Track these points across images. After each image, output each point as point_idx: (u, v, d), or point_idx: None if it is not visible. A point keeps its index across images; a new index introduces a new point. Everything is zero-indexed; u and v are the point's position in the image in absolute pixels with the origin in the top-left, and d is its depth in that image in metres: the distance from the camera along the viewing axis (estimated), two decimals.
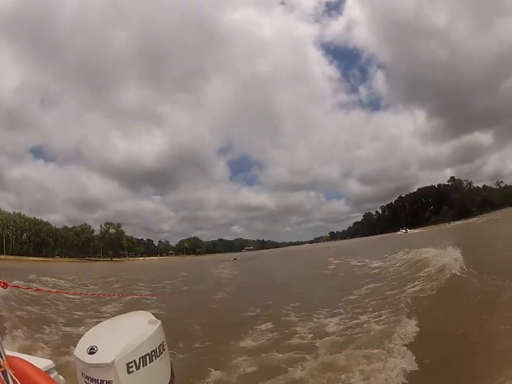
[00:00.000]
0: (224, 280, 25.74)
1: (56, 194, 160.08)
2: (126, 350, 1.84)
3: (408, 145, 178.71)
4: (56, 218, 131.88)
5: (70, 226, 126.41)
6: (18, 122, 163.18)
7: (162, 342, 2.07)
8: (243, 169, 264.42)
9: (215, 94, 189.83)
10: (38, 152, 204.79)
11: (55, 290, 16.82)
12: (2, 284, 2.05)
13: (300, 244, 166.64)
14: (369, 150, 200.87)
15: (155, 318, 2.16)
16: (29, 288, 15.23)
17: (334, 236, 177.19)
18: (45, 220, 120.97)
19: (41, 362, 2.35)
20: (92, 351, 1.87)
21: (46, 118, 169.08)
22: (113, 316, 2.35)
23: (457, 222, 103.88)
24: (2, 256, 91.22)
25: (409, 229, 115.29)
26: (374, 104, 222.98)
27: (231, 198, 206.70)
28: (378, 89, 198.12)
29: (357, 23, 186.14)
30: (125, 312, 2.44)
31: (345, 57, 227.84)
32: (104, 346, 1.89)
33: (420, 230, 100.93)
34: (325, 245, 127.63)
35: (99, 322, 2.24)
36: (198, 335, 9.25)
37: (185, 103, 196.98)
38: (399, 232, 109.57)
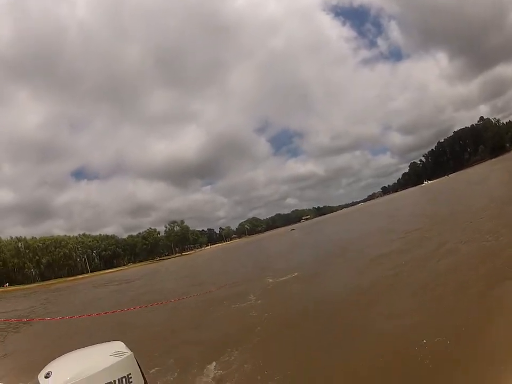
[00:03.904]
0: None
1: (106, 208, 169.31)
2: (75, 378, 2.00)
3: (437, 89, 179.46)
4: (112, 230, 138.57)
5: (128, 234, 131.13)
6: (53, 152, 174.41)
7: (128, 375, 2.17)
8: (285, 142, 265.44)
9: (239, 80, 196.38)
10: (79, 174, 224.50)
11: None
12: None
13: (354, 205, 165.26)
14: (402, 100, 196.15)
15: (125, 350, 2.27)
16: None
17: (386, 190, 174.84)
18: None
19: None
20: (47, 375, 2.07)
21: (79, 141, 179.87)
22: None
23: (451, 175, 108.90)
24: (87, 274, 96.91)
25: (429, 180, 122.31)
26: (395, 55, 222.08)
27: (279, 172, 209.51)
28: (396, 39, 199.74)
29: None
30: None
31: (355, 16, 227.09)
32: (59, 373, 2.07)
33: (434, 181, 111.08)
34: (377, 201, 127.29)
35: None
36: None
37: (213, 96, 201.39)
38: (423, 184, 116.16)
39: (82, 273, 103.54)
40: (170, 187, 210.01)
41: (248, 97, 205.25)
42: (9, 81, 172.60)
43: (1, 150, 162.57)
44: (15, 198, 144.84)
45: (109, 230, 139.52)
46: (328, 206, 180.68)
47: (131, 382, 2.15)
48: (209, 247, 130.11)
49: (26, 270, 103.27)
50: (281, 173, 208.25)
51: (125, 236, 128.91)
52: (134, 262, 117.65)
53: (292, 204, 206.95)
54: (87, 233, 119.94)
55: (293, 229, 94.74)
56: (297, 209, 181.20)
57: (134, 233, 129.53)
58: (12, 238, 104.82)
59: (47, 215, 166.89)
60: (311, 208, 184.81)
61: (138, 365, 2.32)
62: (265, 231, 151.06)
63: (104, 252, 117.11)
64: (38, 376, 2.11)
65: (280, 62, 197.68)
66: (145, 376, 2.36)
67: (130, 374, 2.16)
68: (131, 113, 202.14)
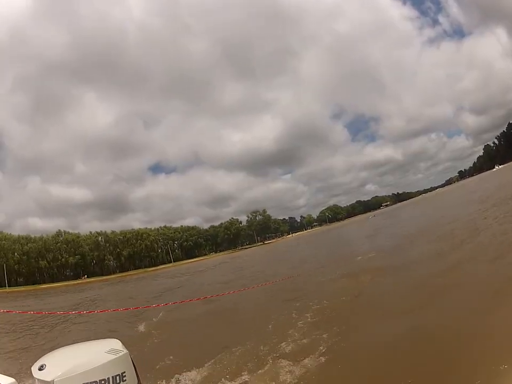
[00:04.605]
0: None
1: (185, 200, 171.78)
2: (69, 373, 2.06)
3: (502, 67, 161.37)
4: (192, 222, 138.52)
5: (209, 225, 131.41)
6: (128, 149, 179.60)
7: (123, 373, 2.21)
8: (361, 127, 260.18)
9: (310, 67, 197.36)
10: (156, 168, 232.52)
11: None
12: None
13: (432, 190, 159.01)
14: (470, 79, 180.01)
15: (121, 348, 2.31)
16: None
17: (463, 175, 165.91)
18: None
19: (4, 380, 2.38)
20: (41, 368, 2.13)
21: (154, 137, 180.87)
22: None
23: None
24: (169, 264, 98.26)
25: (501, 164, 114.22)
26: (458, 33, 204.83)
27: (357, 158, 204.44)
28: (456, 16, 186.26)
29: None
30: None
31: None
32: (53, 366, 2.14)
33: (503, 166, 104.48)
34: (454, 186, 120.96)
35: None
36: None
37: (286, 84, 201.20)
38: (494, 169, 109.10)
39: (164, 263, 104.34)
40: (249, 177, 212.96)
41: (321, 84, 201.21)
42: (75, 85, 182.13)
43: (76, 151, 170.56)
44: (91, 195, 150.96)
45: (188, 222, 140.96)
46: (407, 192, 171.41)
47: (125, 380, 2.15)
48: (290, 235, 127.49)
49: (106, 262, 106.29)
50: (359, 159, 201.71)
51: (205, 226, 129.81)
52: (216, 252, 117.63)
53: (371, 190, 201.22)
54: (168, 225, 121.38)
55: (374, 216, 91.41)
56: (377, 196, 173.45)
57: (214, 224, 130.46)
58: (91, 232, 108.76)
59: (124, 210, 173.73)
60: (390, 194, 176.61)
61: (133, 363, 2.30)
62: (345, 218, 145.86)
63: (185, 243, 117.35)
64: (32, 367, 2.13)
65: (348, 46, 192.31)
66: (139, 375, 2.33)
67: (124, 372, 2.17)
68: (204, 106, 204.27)
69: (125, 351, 2.24)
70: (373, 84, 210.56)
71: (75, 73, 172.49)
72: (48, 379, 1.95)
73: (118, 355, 2.16)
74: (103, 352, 2.15)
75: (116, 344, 2.27)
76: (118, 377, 2.09)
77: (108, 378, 2.05)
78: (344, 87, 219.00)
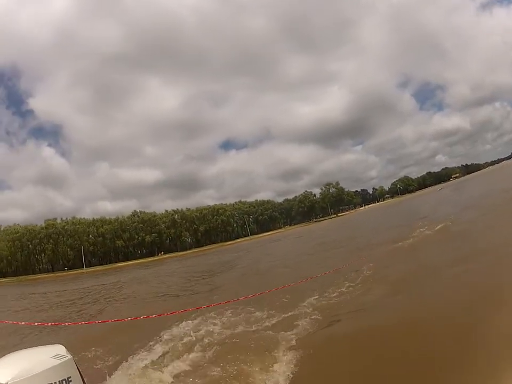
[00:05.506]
0: None
1: (257, 175, 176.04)
2: (19, 376, 2.13)
3: None
4: (264, 196, 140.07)
5: (283, 198, 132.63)
6: (197, 128, 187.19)
7: (68, 378, 2.30)
8: (428, 96, 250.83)
9: (371, 36, 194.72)
10: (227, 145, 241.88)
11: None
12: None
13: (499, 162, 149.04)
14: None
15: (65, 353, 2.40)
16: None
17: None
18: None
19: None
20: None
21: (222, 115, 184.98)
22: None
23: None
24: (245, 238, 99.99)
25: None
26: None
27: (426, 128, 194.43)
28: None
29: None
30: None
31: None
32: (4, 370, 2.20)
33: None
34: None
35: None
36: None
37: (349, 54, 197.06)
38: None
39: (239, 237, 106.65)
40: (320, 149, 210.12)
41: (383, 52, 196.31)
42: (137, 73, 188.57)
43: (144, 135, 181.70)
44: (162, 175, 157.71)
45: (261, 196, 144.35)
46: (475, 164, 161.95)
47: None
48: (363, 207, 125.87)
49: (183, 238, 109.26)
50: (428, 128, 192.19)
51: (278, 200, 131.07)
52: (290, 225, 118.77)
53: (441, 161, 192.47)
54: (242, 200, 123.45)
55: (441, 188, 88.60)
56: (447, 167, 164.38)
57: (287, 197, 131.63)
58: (167, 211, 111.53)
59: (196, 188, 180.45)
60: (459, 165, 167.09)
61: (78, 369, 2.39)
62: (416, 190, 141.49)
63: (260, 217, 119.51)
64: None
65: (405, 14, 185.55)
66: (85, 381, 2.42)
67: (70, 377, 2.27)
68: (270, 81, 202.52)
69: (69, 356, 2.32)
70: (435, 51, 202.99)
71: (135, 62, 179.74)
72: (2, 381, 2.04)
73: (62, 360, 2.25)
74: (48, 357, 2.24)
75: (60, 349, 2.35)
76: (64, 381, 2.18)
77: (55, 382, 2.14)
78: (406, 56, 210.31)
